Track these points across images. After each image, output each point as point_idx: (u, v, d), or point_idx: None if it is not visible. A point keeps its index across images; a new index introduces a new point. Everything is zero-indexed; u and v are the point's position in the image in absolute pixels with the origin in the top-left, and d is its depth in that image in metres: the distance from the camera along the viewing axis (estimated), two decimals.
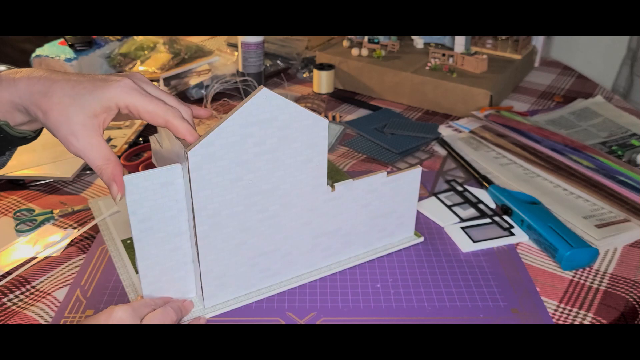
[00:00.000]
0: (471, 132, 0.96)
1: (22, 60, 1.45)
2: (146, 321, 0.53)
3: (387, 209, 0.67)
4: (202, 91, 1.08)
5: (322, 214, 0.62)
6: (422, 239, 0.71)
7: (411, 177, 0.67)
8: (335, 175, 0.82)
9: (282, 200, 0.58)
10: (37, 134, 0.58)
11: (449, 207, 0.77)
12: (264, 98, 0.52)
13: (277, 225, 0.59)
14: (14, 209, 0.76)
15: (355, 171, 0.86)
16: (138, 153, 0.90)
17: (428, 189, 0.82)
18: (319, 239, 0.63)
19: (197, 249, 0.56)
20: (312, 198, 0.60)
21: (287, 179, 0.57)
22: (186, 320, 0.58)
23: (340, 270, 0.66)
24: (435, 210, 0.77)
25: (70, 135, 0.51)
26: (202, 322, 0.58)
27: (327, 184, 0.61)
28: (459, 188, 0.81)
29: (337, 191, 0.62)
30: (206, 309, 0.59)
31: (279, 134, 0.55)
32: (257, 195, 0.56)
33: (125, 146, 0.90)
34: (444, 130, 0.98)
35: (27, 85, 0.52)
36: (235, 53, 1.20)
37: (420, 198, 0.78)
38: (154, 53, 1.18)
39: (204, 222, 0.55)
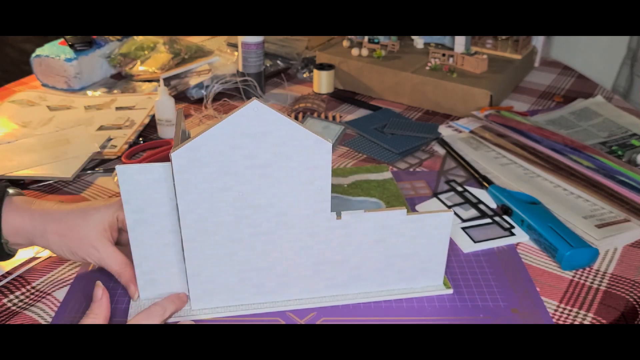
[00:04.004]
0: (471, 132, 0.96)
1: (22, 60, 1.45)
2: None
3: (406, 250, 0.61)
4: (202, 91, 1.08)
5: (325, 241, 0.59)
6: (451, 291, 0.63)
7: (439, 220, 0.60)
8: (394, 201, 0.77)
9: (278, 219, 0.56)
10: (15, 254, 0.64)
11: (450, 207, 0.77)
12: (255, 111, 0.51)
13: (272, 242, 0.58)
14: None
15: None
16: (138, 153, 0.90)
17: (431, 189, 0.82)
18: (321, 267, 0.60)
19: (184, 250, 0.56)
20: (313, 222, 0.57)
21: (283, 197, 0.55)
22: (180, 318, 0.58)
23: (345, 303, 0.62)
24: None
25: (91, 248, 0.59)
26: None
27: (333, 211, 0.57)
28: (459, 188, 0.81)
29: (344, 220, 0.58)
30: (192, 310, 0.59)
31: (273, 150, 0.53)
32: (248, 208, 0.55)
33: (125, 146, 0.90)
34: (444, 130, 0.98)
35: (41, 215, 0.60)
36: (235, 53, 1.20)
37: (421, 198, 0.79)
38: (154, 53, 1.18)
39: (190, 225, 0.55)
